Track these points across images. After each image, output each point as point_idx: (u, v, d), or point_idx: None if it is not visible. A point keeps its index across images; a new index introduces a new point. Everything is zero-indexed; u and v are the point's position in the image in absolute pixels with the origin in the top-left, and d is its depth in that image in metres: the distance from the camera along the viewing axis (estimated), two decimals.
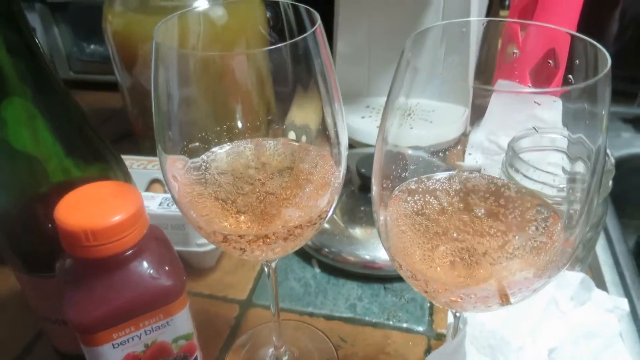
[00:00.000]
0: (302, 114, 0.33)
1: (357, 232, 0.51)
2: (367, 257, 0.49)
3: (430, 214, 0.30)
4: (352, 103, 0.69)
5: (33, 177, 0.35)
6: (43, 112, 0.33)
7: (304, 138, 0.34)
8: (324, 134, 0.32)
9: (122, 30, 0.56)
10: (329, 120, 0.31)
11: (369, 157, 0.54)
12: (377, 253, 0.49)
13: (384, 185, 0.29)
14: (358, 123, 0.66)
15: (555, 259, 0.27)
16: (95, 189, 0.29)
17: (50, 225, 0.34)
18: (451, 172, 0.31)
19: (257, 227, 0.30)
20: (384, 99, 0.79)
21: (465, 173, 0.32)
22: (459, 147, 0.34)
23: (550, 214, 0.29)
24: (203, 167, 0.33)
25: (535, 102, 0.29)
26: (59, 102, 0.34)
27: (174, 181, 0.31)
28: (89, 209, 0.28)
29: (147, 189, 0.53)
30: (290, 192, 0.31)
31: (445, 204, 0.30)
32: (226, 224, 0.31)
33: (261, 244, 0.30)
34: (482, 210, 0.29)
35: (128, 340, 0.30)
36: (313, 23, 0.28)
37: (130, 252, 0.28)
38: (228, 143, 0.34)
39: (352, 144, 0.65)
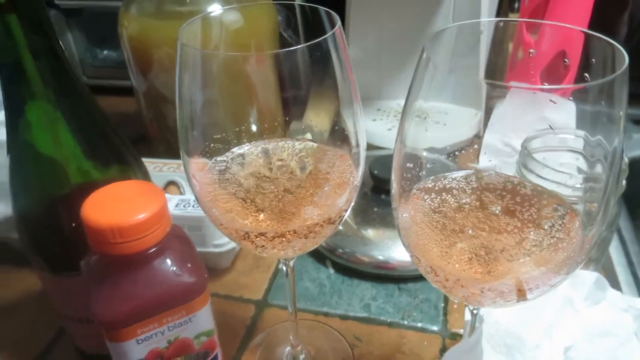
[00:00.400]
0: (320, 115, 0.34)
1: (371, 233, 0.52)
2: (381, 257, 0.49)
3: (448, 211, 0.30)
4: (363, 106, 0.70)
5: (56, 178, 0.36)
6: (66, 115, 0.34)
7: (321, 138, 0.35)
8: (343, 135, 0.32)
9: (137, 35, 0.57)
10: (348, 121, 0.31)
11: (382, 159, 0.55)
12: (390, 253, 0.49)
13: (403, 185, 0.30)
14: (369, 125, 0.67)
15: (573, 255, 0.27)
16: (120, 188, 0.30)
17: (73, 225, 0.35)
18: (468, 171, 0.32)
19: (277, 225, 0.31)
20: (395, 101, 0.80)
21: (482, 172, 0.32)
22: (472, 149, 0.34)
23: (567, 212, 0.29)
24: (223, 167, 0.33)
25: (551, 100, 0.29)
26: (82, 105, 0.35)
27: (196, 181, 0.32)
28: (115, 207, 0.28)
29: (163, 191, 0.54)
30: (310, 191, 0.32)
31: (462, 201, 0.30)
32: (246, 222, 0.31)
33: (281, 241, 0.31)
34: (499, 208, 0.29)
35: (152, 336, 0.30)
36: (333, 25, 0.29)
37: (154, 249, 0.29)
38: (247, 143, 0.34)
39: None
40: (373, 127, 0.67)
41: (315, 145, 0.35)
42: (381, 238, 0.51)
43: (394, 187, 0.30)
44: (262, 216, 0.32)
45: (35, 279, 0.50)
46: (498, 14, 0.72)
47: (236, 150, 0.34)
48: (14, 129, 0.34)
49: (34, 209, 0.36)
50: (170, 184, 0.54)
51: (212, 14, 0.32)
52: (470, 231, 0.28)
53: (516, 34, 0.72)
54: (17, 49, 0.30)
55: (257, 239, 0.30)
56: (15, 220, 0.36)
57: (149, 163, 0.56)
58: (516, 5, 0.75)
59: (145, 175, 0.40)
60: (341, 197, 0.32)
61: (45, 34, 0.31)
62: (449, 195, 0.31)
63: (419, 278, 0.49)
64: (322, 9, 0.30)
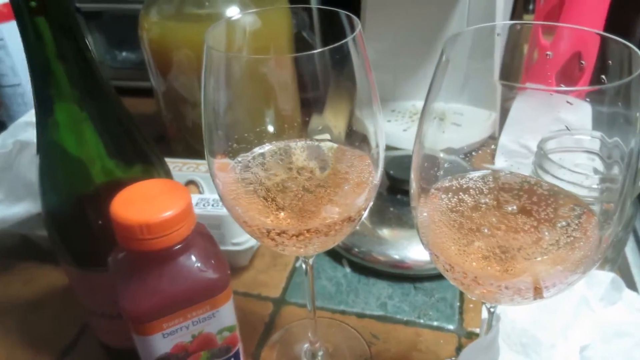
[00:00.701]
0: (339, 116, 0.35)
1: (386, 232, 0.52)
2: (397, 256, 0.50)
3: (465, 210, 0.31)
4: None
5: (82, 177, 0.37)
6: (92, 116, 0.35)
7: (339, 139, 0.36)
8: (362, 135, 0.33)
9: (157, 38, 0.58)
10: (367, 122, 0.32)
11: (397, 160, 0.56)
12: (406, 253, 0.50)
13: (422, 185, 0.31)
14: (384, 126, 0.67)
15: (590, 254, 0.28)
16: (147, 186, 0.31)
17: (100, 223, 0.36)
18: (484, 171, 0.33)
19: (298, 223, 0.32)
20: (410, 102, 0.80)
21: (498, 172, 0.33)
22: (488, 149, 0.35)
23: (584, 211, 0.30)
24: (245, 167, 0.34)
25: (567, 102, 0.29)
26: (108, 106, 0.36)
27: (219, 180, 0.33)
28: (143, 204, 0.29)
29: None
30: (329, 190, 0.32)
31: (479, 201, 0.31)
32: (268, 220, 0.32)
33: (301, 239, 0.32)
34: (516, 207, 0.30)
35: (177, 330, 0.31)
36: (353, 28, 0.29)
37: (180, 246, 0.30)
38: (268, 143, 0.35)
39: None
40: (388, 128, 0.67)
41: (334, 145, 0.35)
42: (397, 237, 0.51)
43: (413, 186, 0.30)
44: (282, 214, 0.32)
45: (59, 275, 0.52)
46: (512, 15, 0.72)
47: (257, 150, 0.35)
48: (43, 128, 0.35)
49: (62, 206, 0.37)
50: (190, 183, 0.55)
51: (235, 18, 0.33)
52: (487, 230, 0.29)
53: (531, 35, 0.72)
54: (46, 51, 0.31)
55: (279, 236, 0.31)
56: (44, 217, 0.37)
57: (169, 163, 0.57)
58: (531, 6, 0.75)
59: (167, 174, 0.41)
60: (360, 196, 0.32)
61: (73, 37, 0.32)
62: (467, 195, 0.31)
63: (434, 277, 0.49)
64: (342, 12, 0.31)
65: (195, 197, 0.50)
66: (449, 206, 0.31)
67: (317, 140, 0.36)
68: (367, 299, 0.48)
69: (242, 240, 0.49)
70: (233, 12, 0.56)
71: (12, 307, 0.49)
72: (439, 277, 0.49)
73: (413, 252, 0.50)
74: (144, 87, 0.81)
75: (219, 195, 0.33)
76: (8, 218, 0.48)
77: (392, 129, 0.67)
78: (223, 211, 0.48)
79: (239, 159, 0.34)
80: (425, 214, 0.31)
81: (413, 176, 0.30)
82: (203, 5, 0.57)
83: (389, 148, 0.65)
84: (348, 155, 0.35)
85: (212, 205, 0.49)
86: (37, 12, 0.31)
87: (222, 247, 0.49)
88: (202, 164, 0.56)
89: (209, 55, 0.28)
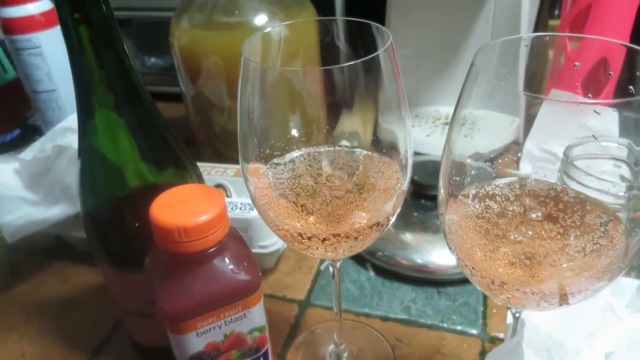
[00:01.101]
0: (367, 122, 0.36)
1: (410, 237, 0.53)
2: (420, 260, 0.51)
3: (491, 217, 0.31)
4: None
5: (119, 181, 0.38)
6: (129, 122, 0.36)
7: (367, 145, 0.37)
8: (390, 141, 0.34)
9: (188, 45, 0.60)
10: (396, 129, 0.33)
11: (421, 165, 0.57)
12: (429, 257, 0.51)
13: (450, 191, 0.31)
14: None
15: (616, 262, 0.28)
16: (184, 191, 0.32)
17: (137, 225, 0.37)
18: (511, 178, 0.33)
19: (327, 228, 0.33)
20: (433, 108, 0.81)
21: (525, 179, 0.33)
22: (513, 156, 0.35)
23: (611, 219, 0.30)
24: (277, 172, 0.35)
25: (595, 111, 0.30)
26: (145, 113, 0.38)
27: (251, 185, 0.34)
28: (180, 208, 0.31)
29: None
30: (358, 196, 0.33)
31: (506, 208, 0.31)
32: (298, 224, 0.33)
33: (331, 243, 0.33)
34: (542, 214, 0.30)
35: (210, 329, 0.32)
36: (384, 40, 0.30)
37: (215, 249, 0.31)
38: (299, 149, 0.36)
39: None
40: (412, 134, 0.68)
41: (363, 152, 0.36)
42: (420, 242, 0.52)
43: (441, 193, 0.31)
44: (312, 219, 0.33)
45: (93, 275, 0.54)
46: (537, 20, 0.72)
47: (289, 156, 0.36)
48: (84, 134, 0.37)
49: (100, 209, 0.39)
50: (218, 186, 0.56)
51: (268, 30, 0.34)
52: (514, 236, 0.30)
53: (557, 43, 0.72)
54: (88, 60, 0.33)
55: (308, 240, 0.32)
56: (83, 219, 0.39)
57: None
58: (556, 11, 0.75)
59: (199, 178, 0.42)
60: (388, 203, 0.33)
61: (114, 46, 0.34)
62: (493, 202, 0.32)
63: (458, 282, 0.50)
64: (373, 24, 0.32)
65: None
66: (476, 213, 0.31)
67: (346, 146, 0.37)
68: (391, 303, 0.49)
69: (269, 243, 0.50)
70: (261, 20, 0.58)
71: (48, 306, 0.51)
72: (462, 281, 0.50)
73: (436, 256, 0.50)
74: (172, 92, 0.83)
75: (251, 199, 0.34)
76: (46, 220, 0.50)
77: (416, 134, 0.68)
78: (251, 214, 0.49)
79: (271, 164, 0.35)
80: (452, 220, 0.32)
81: (441, 183, 0.31)
82: (232, 13, 0.59)
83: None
84: (376, 161, 0.36)
85: (240, 209, 0.50)
86: (80, 21, 0.32)
87: None
88: (229, 168, 0.58)
89: (246, 66, 0.30)
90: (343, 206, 0.33)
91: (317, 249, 0.33)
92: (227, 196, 0.56)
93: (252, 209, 0.50)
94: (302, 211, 0.34)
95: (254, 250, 0.50)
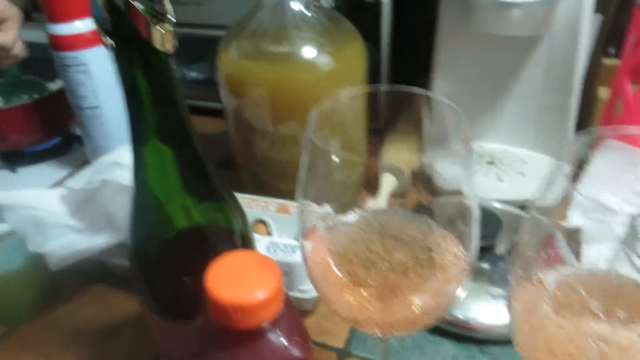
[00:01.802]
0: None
1: None
2: (461, 317, 0.49)
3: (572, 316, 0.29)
4: (442, 147, 0.70)
5: (164, 219, 0.37)
6: (175, 156, 0.35)
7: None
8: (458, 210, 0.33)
9: (234, 73, 0.59)
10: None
11: None
12: (471, 314, 0.49)
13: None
14: (449, 168, 0.66)
15: None
16: (238, 260, 0.31)
17: (184, 279, 0.37)
18: (591, 268, 0.31)
19: (380, 305, 0.32)
20: (477, 143, 0.78)
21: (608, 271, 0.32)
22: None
23: None
24: (333, 236, 0.34)
25: None
26: (191, 148, 0.36)
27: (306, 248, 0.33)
28: (236, 282, 0.30)
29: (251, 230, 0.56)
30: (418, 276, 0.32)
31: (585, 304, 0.30)
32: (350, 298, 0.32)
33: (381, 325, 0.32)
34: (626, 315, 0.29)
35: None
36: (460, 124, 0.29)
37: (269, 324, 0.30)
38: (355, 209, 0.35)
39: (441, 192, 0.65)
40: (455, 171, 0.66)
41: (432, 222, 0.35)
42: (462, 298, 0.51)
43: (512, 281, 0.30)
44: (365, 293, 0.32)
45: (133, 303, 0.54)
46: (592, 57, 0.70)
47: (344, 219, 0.35)
48: (135, 168, 0.36)
49: (149, 249, 0.38)
50: (259, 222, 0.56)
51: (328, 105, 0.33)
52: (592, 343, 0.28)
53: (614, 84, 0.69)
54: (140, 96, 0.32)
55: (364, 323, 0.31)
56: (130, 258, 0.38)
57: (239, 198, 0.58)
58: (612, 50, 0.72)
59: (242, 217, 0.41)
60: (452, 284, 0.32)
61: (167, 83, 0.32)
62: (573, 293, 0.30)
63: (501, 342, 0.48)
64: (447, 103, 0.30)
65: (265, 240, 0.51)
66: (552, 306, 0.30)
67: (411, 211, 0.35)
68: (433, 358, 0.48)
69: (309, 287, 0.49)
70: (308, 51, 0.56)
71: (87, 333, 0.51)
72: (506, 342, 0.48)
73: (478, 314, 0.49)
74: (212, 107, 0.83)
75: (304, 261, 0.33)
76: (89, 248, 0.50)
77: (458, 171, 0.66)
78: (293, 258, 0.48)
79: (328, 226, 0.34)
80: (518, 309, 0.30)
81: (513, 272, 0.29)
82: (280, 43, 0.58)
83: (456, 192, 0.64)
84: (435, 230, 0.35)
85: (283, 251, 0.49)
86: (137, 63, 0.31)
87: (289, 293, 0.49)
88: (271, 203, 0.57)
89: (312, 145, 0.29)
90: (398, 283, 0.32)
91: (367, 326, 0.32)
92: (268, 233, 0.55)
93: (295, 251, 0.49)
94: (355, 284, 0.32)
95: (293, 294, 0.49)
